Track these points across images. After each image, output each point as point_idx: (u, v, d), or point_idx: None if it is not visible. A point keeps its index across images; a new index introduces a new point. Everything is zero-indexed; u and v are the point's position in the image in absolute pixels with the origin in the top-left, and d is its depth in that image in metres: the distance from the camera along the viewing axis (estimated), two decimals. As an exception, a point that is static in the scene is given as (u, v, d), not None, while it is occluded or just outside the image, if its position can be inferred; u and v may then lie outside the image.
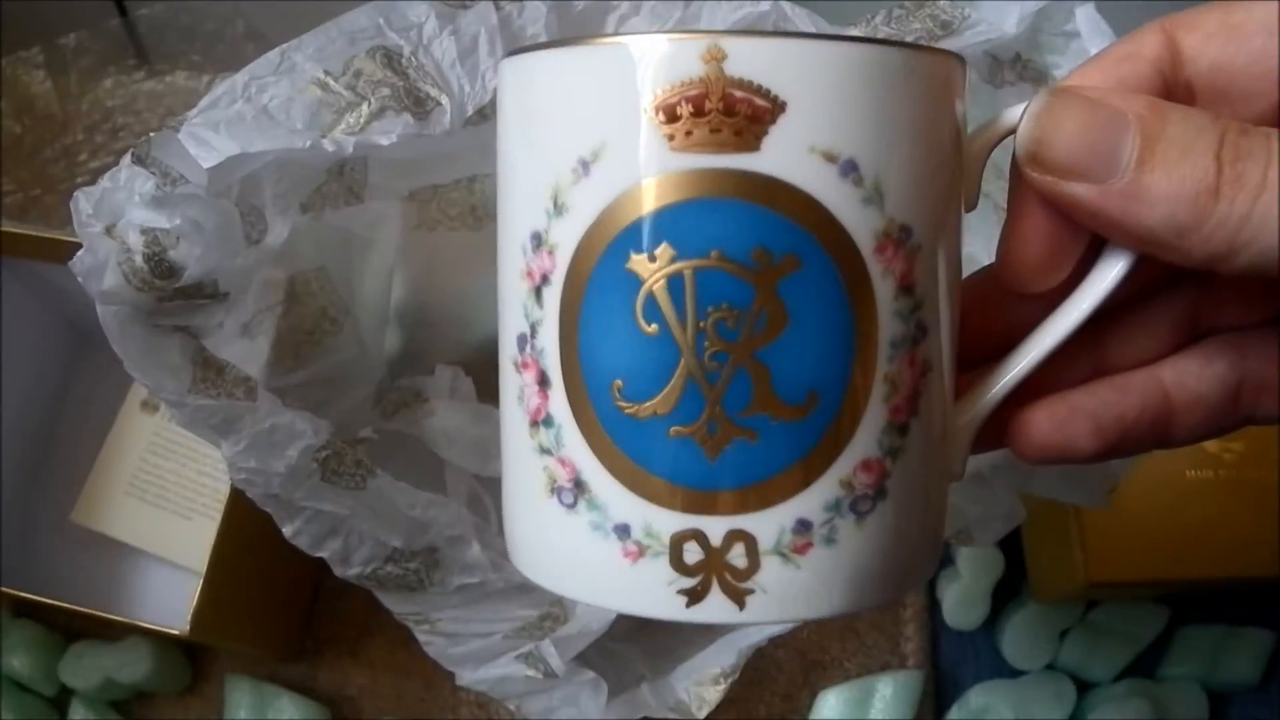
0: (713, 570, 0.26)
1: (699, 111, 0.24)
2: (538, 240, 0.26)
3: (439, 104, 0.36)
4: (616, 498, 0.26)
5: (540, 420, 0.27)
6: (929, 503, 0.28)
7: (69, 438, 0.64)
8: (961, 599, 0.60)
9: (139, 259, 0.33)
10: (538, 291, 0.26)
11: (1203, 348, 0.28)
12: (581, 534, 0.27)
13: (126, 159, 0.34)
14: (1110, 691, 0.59)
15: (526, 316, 0.27)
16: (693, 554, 0.26)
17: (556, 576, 0.28)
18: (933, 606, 0.62)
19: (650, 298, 0.25)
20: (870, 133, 0.24)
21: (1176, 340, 0.29)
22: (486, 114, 0.38)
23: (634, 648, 0.53)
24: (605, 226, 0.25)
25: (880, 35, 0.39)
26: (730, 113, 0.24)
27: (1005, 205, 0.27)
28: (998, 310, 0.30)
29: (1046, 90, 0.25)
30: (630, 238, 0.25)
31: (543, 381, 0.27)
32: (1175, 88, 0.26)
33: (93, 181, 0.35)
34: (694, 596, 0.26)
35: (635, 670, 0.51)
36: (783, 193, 0.24)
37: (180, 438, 0.61)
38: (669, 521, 0.26)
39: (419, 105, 0.36)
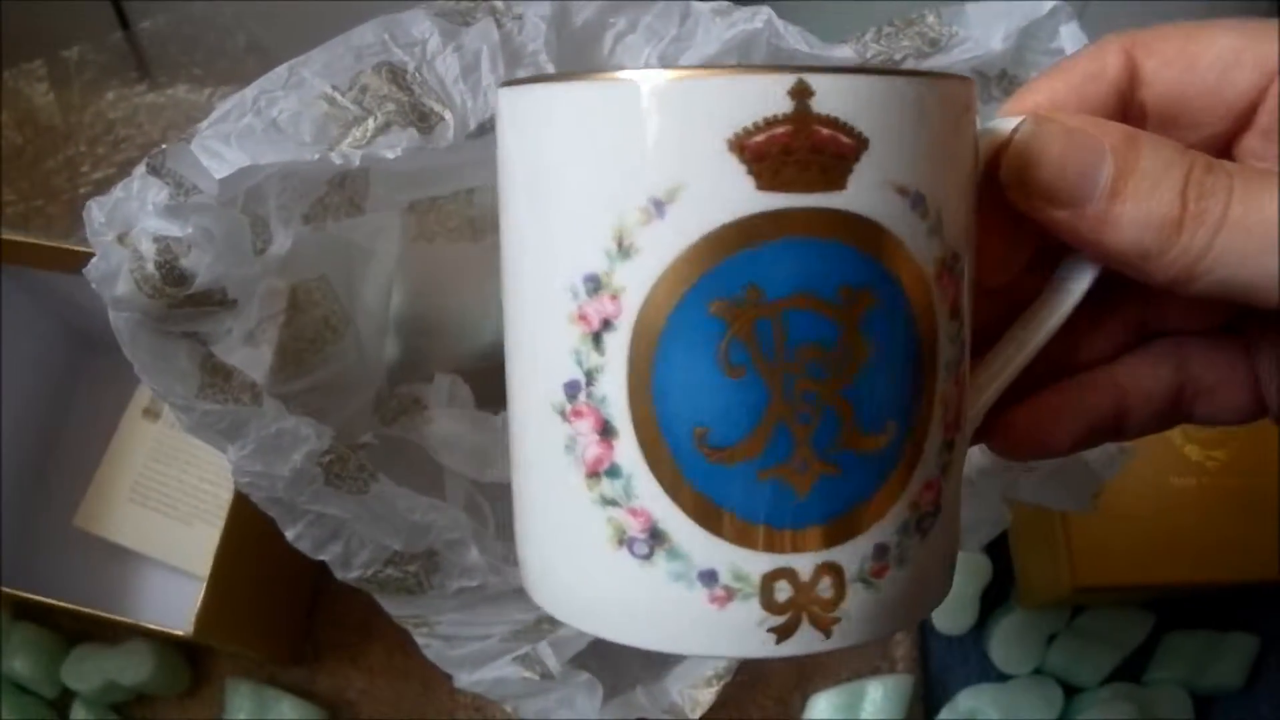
0: (802, 605, 0.26)
1: (787, 150, 0.23)
2: (595, 283, 0.25)
3: (442, 119, 0.37)
4: (701, 545, 0.25)
5: (603, 471, 0.26)
6: (959, 509, 0.29)
7: (72, 444, 0.65)
8: (950, 604, 0.61)
9: (150, 266, 0.34)
10: (596, 337, 0.25)
11: (1150, 350, 0.30)
12: (659, 584, 0.26)
13: (140, 169, 0.35)
14: (1097, 695, 0.60)
15: (580, 363, 0.25)
16: (783, 591, 0.25)
17: (626, 628, 0.27)
18: (922, 612, 0.62)
19: (736, 340, 0.24)
20: (933, 165, 0.25)
21: (1127, 341, 0.31)
22: (487, 128, 0.39)
23: (629, 651, 0.53)
24: (683, 269, 0.24)
25: (882, 50, 0.40)
26: (818, 150, 0.23)
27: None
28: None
29: (1031, 118, 0.26)
30: (714, 280, 0.24)
31: (605, 430, 0.25)
32: (1130, 107, 0.28)
33: (95, 192, 0.36)
34: (783, 633, 0.26)
35: (630, 672, 0.52)
36: (865, 229, 0.24)
37: (182, 444, 0.62)
38: (759, 562, 0.25)
39: (423, 120, 0.37)
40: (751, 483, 0.25)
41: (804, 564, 0.25)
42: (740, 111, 0.23)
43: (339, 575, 0.43)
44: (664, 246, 0.24)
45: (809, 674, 0.61)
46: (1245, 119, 0.27)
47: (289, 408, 0.41)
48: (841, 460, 0.25)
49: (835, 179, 0.24)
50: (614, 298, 0.25)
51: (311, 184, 0.40)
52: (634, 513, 0.26)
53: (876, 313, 0.24)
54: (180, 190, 0.34)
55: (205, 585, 0.51)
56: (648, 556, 0.26)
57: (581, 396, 0.26)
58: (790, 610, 0.25)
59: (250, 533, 0.52)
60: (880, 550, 0.26)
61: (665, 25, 0.40)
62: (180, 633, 0.50)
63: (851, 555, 0.26)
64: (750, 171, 0.23)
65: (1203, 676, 0.61)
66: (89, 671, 0.60)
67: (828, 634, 0.26)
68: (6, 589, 0.53)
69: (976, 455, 0.43)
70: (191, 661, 0.62)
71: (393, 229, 0.50)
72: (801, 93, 0.23)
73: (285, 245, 0.40)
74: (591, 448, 0.26)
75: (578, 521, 0.27)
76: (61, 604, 0.53)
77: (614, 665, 0.52)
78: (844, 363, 0.24)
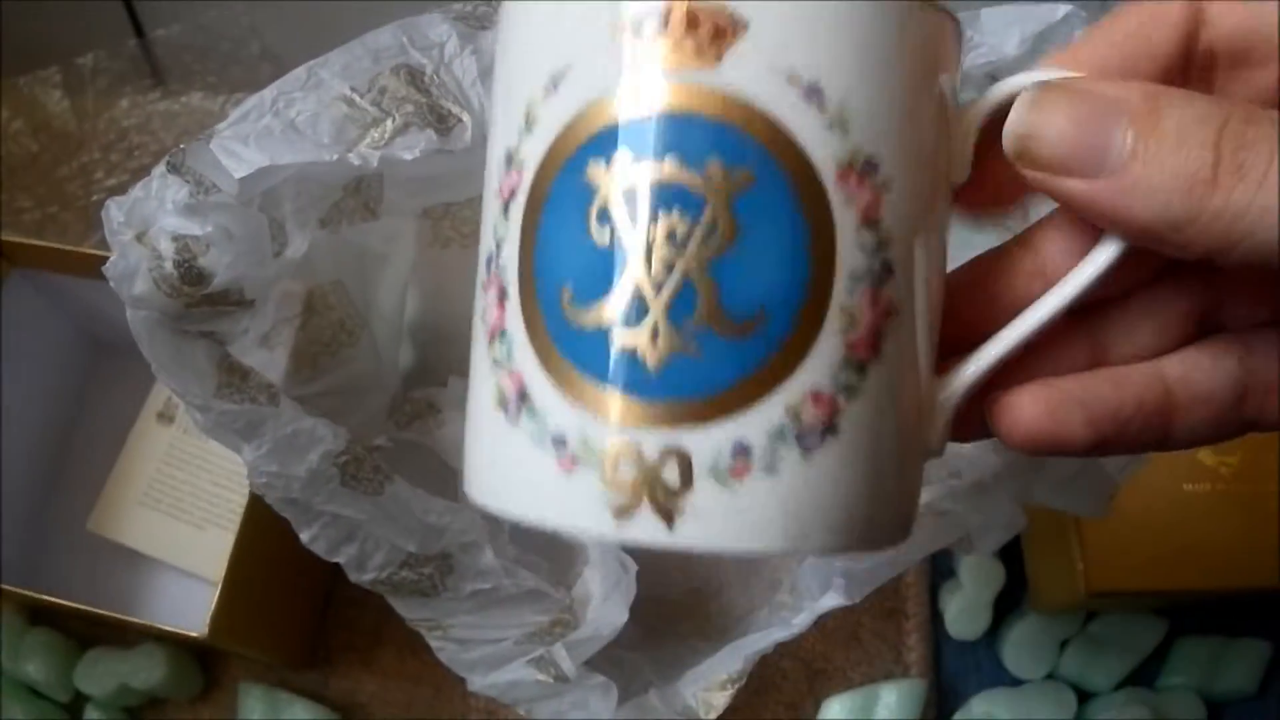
0: (644, 486, 0.25)
1: (663, 24, 0.24)
2: (509, 158, 0.26)
3: (460, 121, 0.37)
4: (556, 407, 0.26)
5: (496, 335, 0.27)
6: (894, 462, 0.27)
7: (86, 448, 0.66)
8: (964, 610, 0.61)
9: (169, 265, 0.34)
10: (505, 208, 0.26)
11: (1212, 344, 0.27)
12: (521, 446, 0.26)
13: (160, 168, 0.35)
14: (1110, 700, 0.60)
15: (495, 235, 0.27)
16: (627, 470, 0.25)
17: (496, 493, 0.28)
18: (935, 617, 0.62)
19: (604, 205, 0.25)
20: (836, 61, 0.24)
21: (1181, 336, 0.28)
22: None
23: (643, 656, 0.53)
24: (568, 139, 0.25)
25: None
26: (693, 27, 0.24)
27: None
28: (1000, 292, 0.29)
29: (1036, 84, 0.24)
30: (590, 148, 0.25)
31: (502, 296, 0.27)
32: (1196, 54, 0.26)
33: (108, 199, 0.36)
34: (622, 512, 0.25)
35: (644, 677, 0.52)
36: (740, 109, 0.24)
37: (195, 449, 0.62)
38: (605, 432, 0.25)
39: (441, 122, 0.37)
40: (605, 347, 0.25)
41: (649, 442, 0.25)
42: None
43: (354, 577, 0.43)
44: (554, 118, 0.25)
45: (820, 679, 0.61)
46: None
47: (304, 410, 0.41)
48: (699, 338, 0.25)
49: (709, 56, 0.24)
50: (519, 170, 0.26)
51: (327, 188, 0.40)
52: (511, 375, 0.26)
53: (752, 194, 0.24)
54: (200, 189, 0.34)
55: (220, 588, 0.51)
56: (515, 418, 0.26)
57: (492, 266, 0.27)
58: (632, 490, 0.25)
59: (264, 536, 0.53)
60: (741, 449, 0.25)
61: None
62: (195, 635, 0.50)
63: (703, 444, 0.25)
64: (629, 47, 0.25)
65: (1215, 682, 0.61)
66: (102, 675, 0.60)
67: (670, 525, 0.25)
68: (20, 591, 0.54)
69: (991, 458, 0.43)
70: (204, 665, 0.62)
71: (407, 235, 0.50)
72: None
73: (301, 249, 0.40)
74: (492, 313, 0.27)
75: (480, 386, 0.28)
76: (74, 607, 0.53)
77: (628, 670, 0.52)
78: (708, 238, 0.24)
